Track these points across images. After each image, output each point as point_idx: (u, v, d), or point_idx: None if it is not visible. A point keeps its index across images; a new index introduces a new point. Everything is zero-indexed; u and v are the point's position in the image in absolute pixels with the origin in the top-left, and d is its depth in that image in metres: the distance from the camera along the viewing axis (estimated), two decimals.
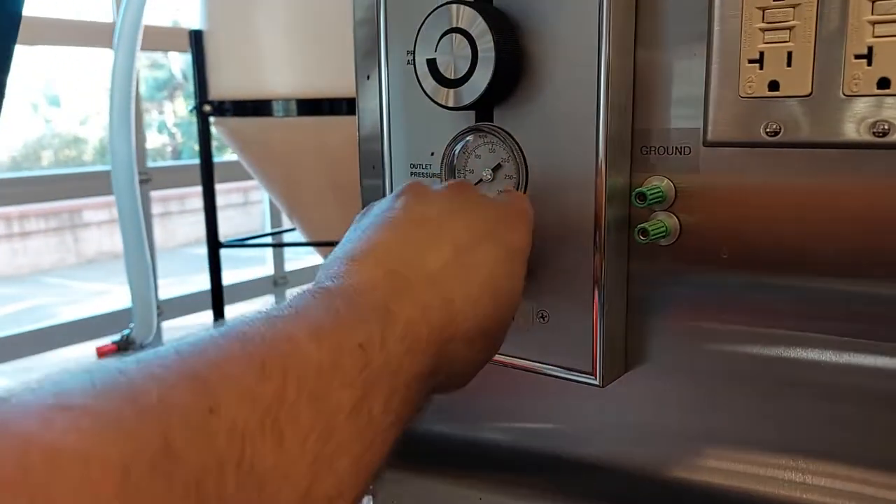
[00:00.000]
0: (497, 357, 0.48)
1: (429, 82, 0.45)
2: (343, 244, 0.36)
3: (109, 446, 0.19)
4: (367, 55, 0.55)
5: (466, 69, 0.43)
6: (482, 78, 0.43)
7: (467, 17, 0.43)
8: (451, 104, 0.45)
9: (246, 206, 6.60)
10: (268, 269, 3.38)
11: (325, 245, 1.90)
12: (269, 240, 3.19)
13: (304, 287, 0.31)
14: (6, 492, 0.17)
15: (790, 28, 0.37)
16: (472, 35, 0.43)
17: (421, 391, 0.32)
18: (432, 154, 0.49)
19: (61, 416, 0.20)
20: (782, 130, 0.38)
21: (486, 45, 0.42)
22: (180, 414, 0.21)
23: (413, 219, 0.37)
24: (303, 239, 2.10)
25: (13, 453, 0.18)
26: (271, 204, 3.23)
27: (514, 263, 0.39)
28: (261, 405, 0.23)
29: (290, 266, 3.45)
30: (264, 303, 3.46)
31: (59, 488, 0.18)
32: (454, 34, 0.43)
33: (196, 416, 0.22)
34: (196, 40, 1.79)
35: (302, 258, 4.05)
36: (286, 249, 3.41)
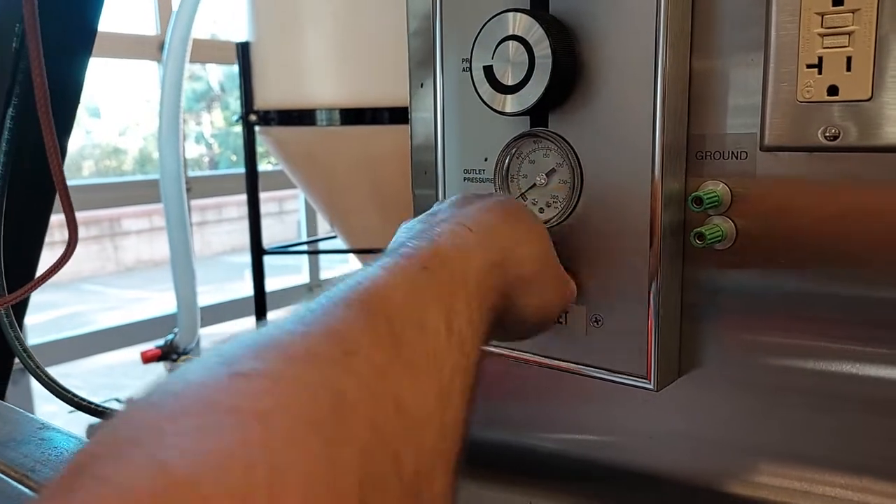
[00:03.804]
0: (551, 361, 0.49)
1: (485, 89, 0.46)
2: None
3: (298, 403, 0.20)
4: (420, 65, 0.56)
5: (523, 76, 0.44)
6: (538, 84, 0.44)
7: (524, 24, 0.44)
8: (507, 110, 0.45)
9: (281, 216, 6.67)
10: (302, 277, 3.41)
11: (365, 252, 1.93)
12: (309, 247, 3.22)
13: None
14: (233, 459, 0.18)
15: (850, 33, 0.37)
16: (529, 42, 0.43)
17: (494, 291, 0.34)
18: (486, 160, 0.49)
19: (240, 381, 0.21)
20: (841, 135, 0.38)
21: (543, 51, 0.43)
22: (331, 360, 0.23)
23: (418, 219, 0.40)
24: (338, 247, 2.13)
25: (225, 423, 0.19)
26: (307, 213, 3.27)
27: (520, 206, 0.43)
28: (385, 343, 0.25)
29: (324, 274, 3.49)
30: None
31: (280, 455, 0.19)
32: (511, 41, 0.44)
33: (343, 360, 0.23)
34: (243, 52, 1.83)
35: (335, 266, 4.09)
36: (320, 258, 3.44)
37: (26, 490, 0.50)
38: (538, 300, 0.40)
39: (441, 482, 0.24)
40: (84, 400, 0.58)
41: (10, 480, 0.51)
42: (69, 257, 0.51)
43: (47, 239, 0.74)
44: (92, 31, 0.66)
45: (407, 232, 0.37)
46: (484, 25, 0.45)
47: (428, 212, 0.41)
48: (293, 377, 0.21)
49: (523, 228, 0.40)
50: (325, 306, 0.26)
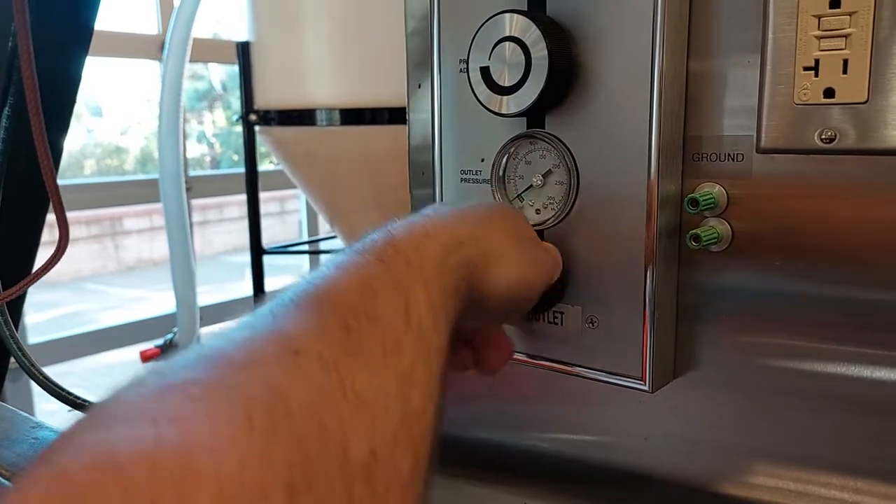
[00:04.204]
0: (546, 362, 0.49)
1: (482, 90, 0.46)
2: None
3: (228, 405, 0.21)
4: (418, 65, 0.56)
5: (520, 77, 0.44)
6: (535, 85, 0.44)
7: (521, 25, 0.44)
8: (503, 111, 0.45)
9: (282, 215, 6.67)
10: None
11: None
12: (309, 248, 3.22)
13: None
14: (158, 463, 0.18)
15: (846, 36, 0.37)
16: (526, 43, 0.43)
17: (455, 273, 0.34)
18: (482, 160, 0.49)
19: (172, 393, 0.21)
20: (837, 137, 0.38)
21: (540, 52, 0.43)
22: (274, 361, 0.23)
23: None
24: (338, 247, 2.13)
25: (150, 432, 0.19)
26: (308, 213, 3.27)
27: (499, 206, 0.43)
28: (335, 336, 0.25)
29: None
30: None
31: (198, 453, 0.19)
32: (508, 42, 0.44)
33: (287, 359, 0.23)
34: (243, 51, 1.83)
35: None
36: (320, 259, 3.44)
37: None
38: (512, 273, 0.39)
39: (406, 467, 0.24)
40: (78, 398, 0.58)
41: (2, 480, 0.51)
42: (60, 257, 0.51)
43: (49, 237, 0.74)
44: (89, 30, 0.66)
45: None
46: (481, 26, 0.45)
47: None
48: (227, 383, 0.22)
49: (486, 211, 0.40)
50: (275, 310, 0.26)
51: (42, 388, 0.57)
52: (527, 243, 0.41)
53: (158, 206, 2.23)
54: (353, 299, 0.28)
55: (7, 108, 0.56)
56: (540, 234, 0.48)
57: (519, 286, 0.39)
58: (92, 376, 4.06)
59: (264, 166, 3.14)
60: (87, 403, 0.58)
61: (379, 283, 0.29)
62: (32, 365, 0.55)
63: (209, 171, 6.35)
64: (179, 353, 0.24)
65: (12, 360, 0.60)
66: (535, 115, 0.46)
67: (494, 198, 0.49)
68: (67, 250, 0.56)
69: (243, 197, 2.19)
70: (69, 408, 0.61)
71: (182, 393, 0.21)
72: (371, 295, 0.28)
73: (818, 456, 0.44)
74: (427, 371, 0.28)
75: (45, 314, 4.89)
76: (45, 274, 0.52)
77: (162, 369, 0.23)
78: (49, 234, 0.75)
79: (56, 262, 0.52)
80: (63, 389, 0.57)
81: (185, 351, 0.24)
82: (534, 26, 0.43)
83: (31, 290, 0.63)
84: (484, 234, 0.38)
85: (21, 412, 0.58)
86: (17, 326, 0.61)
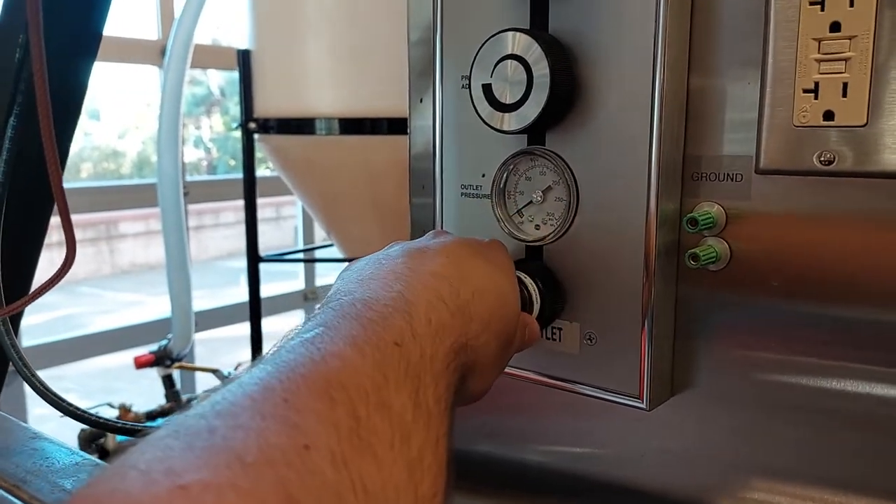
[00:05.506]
0: (544, 378, 0.49)
1: (484, 106, 0.46)
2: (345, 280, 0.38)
3: None
4: (421, 76, 0.56)
5: (521, 94, 0.44)
6: (536, 103, 0.44)
7: (523, 43, 0.44)
8: (505, 128, 0.46)
9: (278, 221, 6.67)
10: (299, 284, 3.41)
11: None
12: (305, 255, 3.22)
13: (318, 306, 0.34)
14: None
15: (846, 59, 0.38)
16: (528, 61, 0.44)
17: (457, 372, 0.34)
18: (483, 176, 0.50)
19: (182, 496, 0.20)
20: (836, 160, 0.39)
21: (542, 71, 0.43)
22: (284, 461, 0.22)
23: (407, 251, 0.41)
24: (337, 255, 2.13)
25: None
26: (305, 220, 3.27)
27: (504, 273, 0.42)
28: (344, 428, 0.25)
29: (319, 281, 3.49)
30: (296, 317, 3.49)
31: None
32: (510, 60, 0.44)
33: (297, 458, 0.23)
34: (244, 59, 1.84)
35: (331, 274, 4.08)
36: (316, 265, 3.44)
37: (16, 500, 0.49)
38: (490, 380, 0.40)
39: None
40: (75, 408, 0.57)
41: (0, 490, 0.50)
42: (65, 272, 0.51)
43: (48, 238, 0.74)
44: (97, 36, 0.66)
45: (385, 274, 0.37)
46: (483, 44, 0.45)
47: (411, 247, 0.41)
48: (240, 488, 0.21)
49: (498, 305, 0.40)
50: (287, 387, 0.26)
51: (42, 398, 0.57)
52: (507, 349, 0.41)
53: (154, 210, 2.24)
54: (365, 386, 0.27)
55: (13, 119, 0.56)
56: (539, 249, 0.48)
57: (481, 391, 0.40)
58: (87, 380, 4.04)
59: (261, 171, 3.14)
60: (82, 413, 0.58)
61: (392, 371, 0.29)
62: (33, 375, 0.55)
63: (206, 177, 6.35)
64: (184, 432, 0.23)
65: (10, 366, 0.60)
66: (535, 132, 0.46)
67: (494, 213, 0.49)
68: (62, 253, 0.56)
69: (239, 202, 2.20)
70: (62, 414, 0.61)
71: (193, 499, 0.20)
72: (384, 383, 0.28)
73: (815, 472, 0.44)
74: (436, 457, 0.28)
75: (39, 317, 4.87)
76: (49, 290, 0.52)
77: (170, 462, 0.22)
78: (45, 238, 0.75)
79: (61, 278, 0.52)
80: (63, 400, 0.57)
81: (190, 427, 0.23)
82: (536, 45, 0.43)
83: None
84: (484, 342, 0.38)
85: (20, 422, 0.58)
86: (16, 334, 0.61)
